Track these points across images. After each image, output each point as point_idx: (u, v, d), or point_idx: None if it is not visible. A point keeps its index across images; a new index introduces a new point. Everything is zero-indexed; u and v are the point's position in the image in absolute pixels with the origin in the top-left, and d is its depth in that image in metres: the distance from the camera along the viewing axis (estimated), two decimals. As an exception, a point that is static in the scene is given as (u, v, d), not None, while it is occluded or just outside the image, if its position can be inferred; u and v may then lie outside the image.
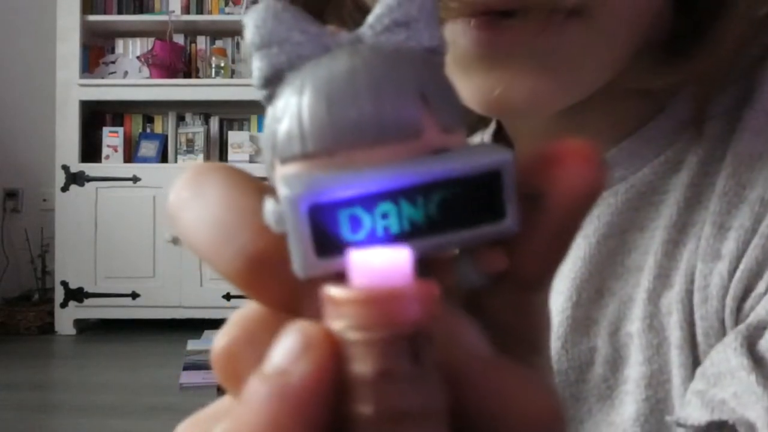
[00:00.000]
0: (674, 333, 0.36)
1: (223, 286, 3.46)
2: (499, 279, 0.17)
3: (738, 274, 0.34)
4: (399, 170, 0.15)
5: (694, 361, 0.36)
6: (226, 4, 3.81)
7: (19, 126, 3.87)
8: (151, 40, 3.77)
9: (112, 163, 3.72)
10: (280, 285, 0.16)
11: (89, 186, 3.61)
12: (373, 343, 0.14)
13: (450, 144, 0.16)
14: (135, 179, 3.62)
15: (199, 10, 3.83)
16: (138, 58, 3.78)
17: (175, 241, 3.47)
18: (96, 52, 3.85)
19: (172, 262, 3.55)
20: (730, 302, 0.34)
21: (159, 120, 3.87)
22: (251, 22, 0.17)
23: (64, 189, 3.61)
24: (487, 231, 0.16)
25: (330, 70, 0.16)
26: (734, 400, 0.31)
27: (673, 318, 0.36)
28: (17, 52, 3.90)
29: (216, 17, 3.80)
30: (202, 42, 3.86)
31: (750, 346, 0.32)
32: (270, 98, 0.17)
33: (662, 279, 0.37)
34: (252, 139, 3.76)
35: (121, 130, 3.80)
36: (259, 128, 3.80)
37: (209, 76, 3.77)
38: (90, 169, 3.64)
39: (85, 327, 3.60)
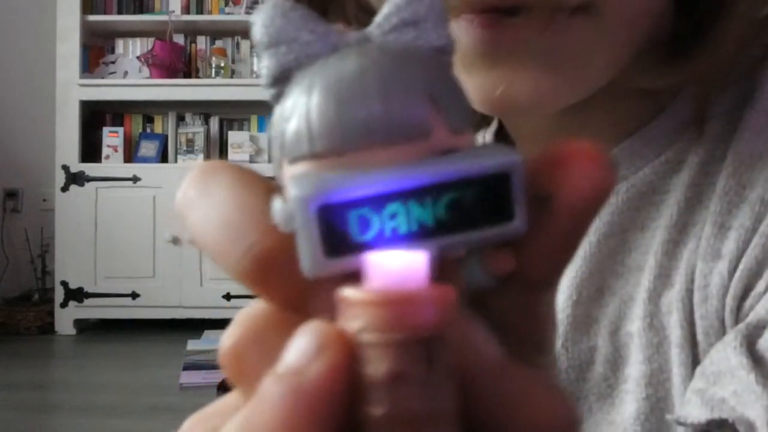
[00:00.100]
0: (674, 332, 0.36)
1: (223, 286, 3.46)
2: (506, 280, 0.17)
3: (738, 273, 0.34)
4: (408, 171, 0.15)
5: (694, 360, 0.36)
6: (226, 4, 3.81)
7: (19, 126, 3.87)
8: (151, 40, 3.77)
9: (112, 163, 3.72)
10: (288, 284, 0.16)
11: (89, 186, 3.61)
12: (387, 345, 0.14)
13: (458, 145, 0.16)
14: (135, 179, 3.62)
15: (199, 10, 3.83)
16: (138, 58, 3.78)
17: (175, 241, 3.47)
18: (96, 52, 3.85)
19: (172, 262, 3.54)
20: (730, 301, 0.34)
21: (159, 120, 3.87)
22: (259, 21, 0.17)
23: (64, 189, 3.61)
24: (495, 232, 0.16)
25: (339, 70, 0.16)
26: (734, 399, 0.31)
27: (673, 317, 0.37)
28: (17, 52, 3.89)
29: (216, 17, 3.80)
30: (202, 42, 3.86)
31: (749, 345, 0.32)
32: (278, 97, 0.17)
33: (662, 278, 0.38)
34: (252, 139, 3.76)
35: (121, 130, 3.80)
36: (260, 128, 3.79)
37: (209, 76, 3.77)
38: (90, 169, 3.64)
39: (85, 327, 3.60)
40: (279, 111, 0.17)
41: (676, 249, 0.37)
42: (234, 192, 0.17)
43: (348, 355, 0.15)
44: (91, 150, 3.71)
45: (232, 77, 3.78)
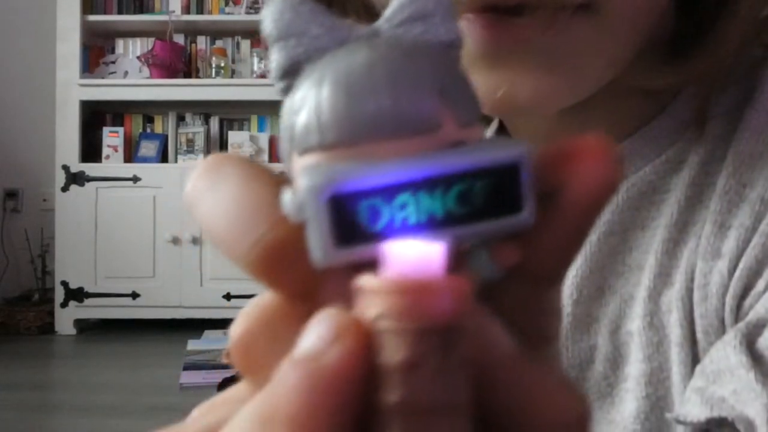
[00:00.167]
0: (674, 331, 0.36)
1: (223, 286, 3.46)
2: (512, 273, 0.18)
3: (738, 272, 0.34)
4: (418, 162, 0.16)
5: (694, 358, 0.36)
6: (226, 4, 3.80)
7: (19, 126, 3.87)
8: (151, 40, 3.77)
9: (112, 163, 3.71)
10: (297, 274, 0.17)
11: (89, 186, 3.61)
12: (404, 333, 0.15)
13: (467, 138, 0.17)
14: (135, 179, 3.62)
15: (199, 10, 3.82)
16: (138, 58, 3.77)
17: (175, 241, 3.47)
18: (96, 52, 3.85)
19: (172, 262, 3.54)
20: (729, 300, 0.34)
21: (159, 120, 3.86)
22: (269, 15, 0.17)
23: (64, 189, 3.61)
24: (503, 224, 0.16)
25: (348, 63, 0.16)
26: (733, 398, 0.31)
27: (673, 316, 0.37)
28: (17, 52, 3.89)
29: (216, 17, 3.79)
30: (202, 42, 3.86)
31: (749, 343, 0.32)
32: (287, 90, 0.17)
33: (663, 277, 0.38)
34: (252, 139, 3.75)
35: (121, 130, 3.79)
36: (260, 128, 3.79)
37: (209, 76, 3.77)
38: (90, 169, 3.64)
39: (85, 327, 3.60)
40: (289, 104, 0.17)
41: (676, 248, 0.37)
42: (242, 184, 0.17)
43: (364, 343, 0.15)
44: (91, 150, 3.71)
45: (232, 77, 3.78)
